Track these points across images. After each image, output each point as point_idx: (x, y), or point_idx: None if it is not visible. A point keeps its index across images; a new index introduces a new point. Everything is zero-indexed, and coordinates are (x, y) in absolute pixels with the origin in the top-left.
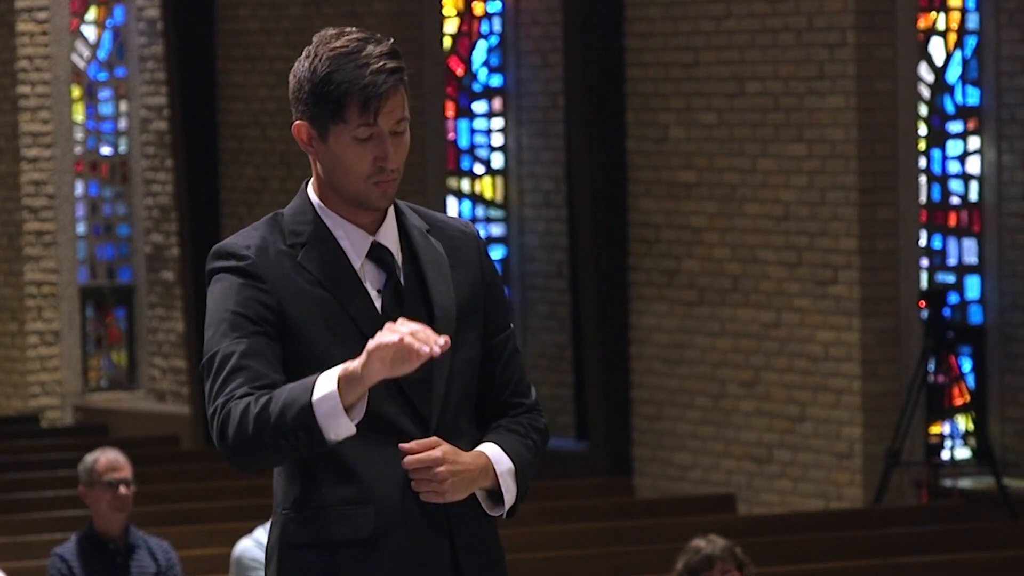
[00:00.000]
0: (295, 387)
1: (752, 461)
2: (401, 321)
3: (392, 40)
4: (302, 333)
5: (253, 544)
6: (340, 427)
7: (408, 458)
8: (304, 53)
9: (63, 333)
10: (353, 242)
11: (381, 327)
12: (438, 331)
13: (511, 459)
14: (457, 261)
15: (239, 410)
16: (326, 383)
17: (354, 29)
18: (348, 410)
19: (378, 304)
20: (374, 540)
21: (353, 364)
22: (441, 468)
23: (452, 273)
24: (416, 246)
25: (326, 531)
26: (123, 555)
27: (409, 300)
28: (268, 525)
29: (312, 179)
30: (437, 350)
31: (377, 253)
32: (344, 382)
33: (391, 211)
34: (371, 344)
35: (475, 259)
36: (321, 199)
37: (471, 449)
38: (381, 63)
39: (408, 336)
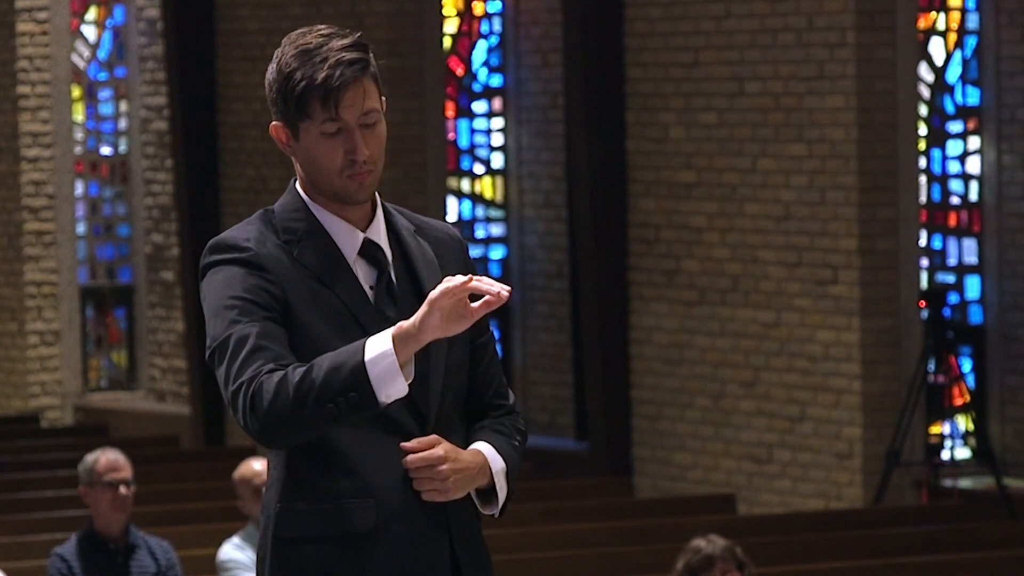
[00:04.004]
0: (339, 352)
1: (752, 461)
2: (459, 277)
3: (360, 34)
4: (305, 325)
5: (231, 547)
6: (394, 387)
7: (410, 456)
8: (274, 55)
9: (63, 333)
10: (346, 238)
11: (376, 320)
12: None
13: (503, 459)
14: (446, 261)
15: (274, 381)
16: (378, 343)
17: (323, 26)
18: (401, 369)
19: (371, 299)
20: (374, 534)
21: (407, 322)
22: (444, 466)
23: (442, 272)
24: (406, 245)
25: (325, 524)
26: (123, 555)
27: (402, 297)
28: (248, 528)
29: (298, 177)
30: (505, 294)
31: (369, 250)
32: (399, 340)
33: (379, 210)
34: (434, 294)
35: (462, 260)
36: (309, 196)
37: (463, 447)
38: (340, 55)
39: (474, 283)
